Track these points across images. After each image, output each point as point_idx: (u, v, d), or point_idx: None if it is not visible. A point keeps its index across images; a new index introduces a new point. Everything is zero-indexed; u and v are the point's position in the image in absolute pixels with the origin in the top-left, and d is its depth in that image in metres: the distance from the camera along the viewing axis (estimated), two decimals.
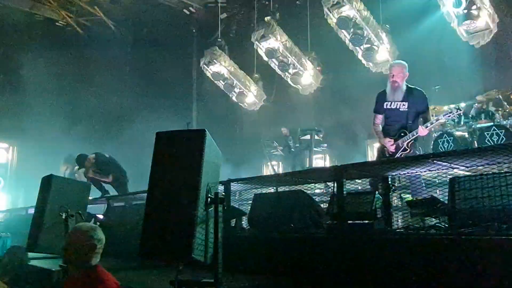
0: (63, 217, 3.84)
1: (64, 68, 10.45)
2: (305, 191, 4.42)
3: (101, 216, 6.66)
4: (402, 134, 4.98)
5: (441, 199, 3.38)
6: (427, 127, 4.85)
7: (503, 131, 7.22)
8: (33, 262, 5.02)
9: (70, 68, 10.58)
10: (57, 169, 7.54)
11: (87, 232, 2.86)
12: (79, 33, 11.80)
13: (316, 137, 10.75)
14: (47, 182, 4.33)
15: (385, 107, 5.11)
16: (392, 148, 4.98)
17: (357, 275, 3.18)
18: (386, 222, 3.67)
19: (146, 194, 2.65)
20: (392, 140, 4.99)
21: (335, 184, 3.66)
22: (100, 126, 11.31)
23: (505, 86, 7.92)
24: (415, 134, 4.86)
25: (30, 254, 5.13)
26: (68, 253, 2.86)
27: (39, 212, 4.34)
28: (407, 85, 5.08)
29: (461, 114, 4.92)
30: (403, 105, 5.00)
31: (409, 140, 4.90)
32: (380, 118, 5.19)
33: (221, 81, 12.01)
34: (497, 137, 7.22)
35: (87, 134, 10.84)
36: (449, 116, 4.99)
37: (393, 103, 5.06)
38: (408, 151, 4.92)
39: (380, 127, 5.19)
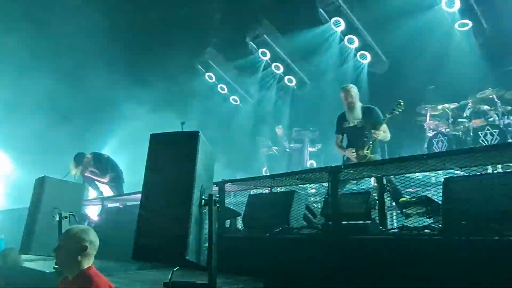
0: (57, 218, 3.81)
1: (54, 63, 10.33)
2: (299, 191, 4.41)
3: (95, 217, 6.62)
4: (360, 145, 5.50)
5: (436, 200, 3.39)
6: (378, 129, 5.38)
7: (497, 130, 7.26)
8: (26, 264, 4.98)
9: (60, 64, 10.47)
10: (47, 169, 7.47)
11: (79, 234, 2.83)
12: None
13: (310, 136, 10.78)
14: (41, 184, 4.31)
15: (344, 126, 5.74)
16: (354, 158, 5.50)
17: (352, 275, 3.18)
18: (380, 223, 3.68)
19: (140, 195, 2.64)
20: (354, 149, 5.53)
21: (330, 185, 3.66)
22: (93, 123, 11.23)
23: (498, 86, 7.95)
24: (369, 140, 5.42)
25: (24, 256, 5.09)
26: (60, 256, 2.85)
27: (32, 213, 4.31)
28: (361, 105, 5.69)
29: (403, 107, 5.35)
30: (360, 122, 5.59)
31: (367, 146, 5.43)
32: (340, 137, 5.83)
33: (216, 81, 12.01)
34: (491, 137, 7.25)
35: (78, 132, 10.78)
36: (392, 113, 5.36)
37: (351, 122, 5.66)
38: (369, 157, 5.40)
39: (340, 144, 5.81)
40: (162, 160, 2.44)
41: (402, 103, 5.33)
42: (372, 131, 5.39)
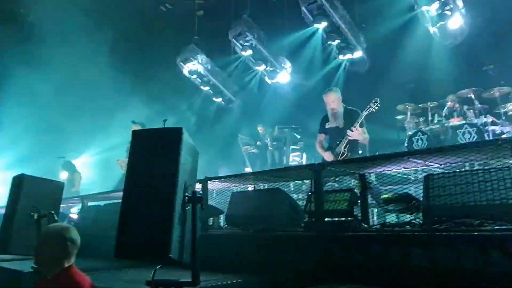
0: (35, 217, 3.73)
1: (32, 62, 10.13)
2: (282, 189, 4.42)
3: (75, 216, 6.52)
4: (338, 143, 5.59)
5: (416, 196, 3.44)
6: (354, 127, 5.40)
7: (475, 129, 7.42)
8: (3, 264, 4.86)
9: (36, 61, 10.27)
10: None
11: (60, 232, 2.80)
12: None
13: (293, 134, 10.83)
14: (18, 182, 4.20)
15: (326, 127, 5.81)
16: (329, 158, 5.59)
17: (335, 271, 3.20)
18: (362, 219, 3.71)
19: (122, 193, 2.60)
20: (331, 153, 5.62)
21: (313, 182, 3.68)
22: (71, 123, 11.04)
23: (476, 85, 8.12)
24: (347, 138, 5.47)
25: (0, 256, 4.97)
26: (39, 255, 2.81)
27: (9, 212, 4.21)
28: (344, 107, 5.74)
29: (378, 105, 5.44)
30: (342, 123, 5.69)
31: (343, 145, 5.50)
32: (323, 136, 5.91)
33: (197, 78, 11.93)
34: (469, 135, 7.42)
35: (57, 127, 10.60)
36: (368, 111, 5.44)
37: (334, 122, 5.75)
38: (345, 154, 5.50)
39: (323, 144, 5.88)
40: (144, 157, 2.40)
41: (378, 101, 5.41)
42: (348, 131, 5.43)
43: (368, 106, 5.43)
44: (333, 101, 5.70)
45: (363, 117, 5.43)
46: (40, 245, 2.84)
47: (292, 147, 10.86)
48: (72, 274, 2.72)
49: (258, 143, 11.43)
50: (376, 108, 5.40)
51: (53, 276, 2.75)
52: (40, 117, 10.33)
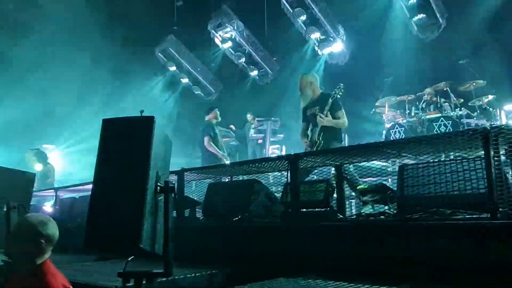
0: (4, 209, 3.62)
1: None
2: (259, 180, 4.40)
3: (49, 209, 6.39)
4: (313, 131, 5.53)
5: (391, 186, 3.47)
6: (324, 114, 5.38)
7: (450, 122, 7.55)
8: None
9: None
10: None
11: (35, 226, 2.54)
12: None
13: (272, 126, 10.82)
14: None
15: (307, 114, 5.74)
16: (307, 146, 5.53)
17: (311, 262, 3.21)
18: (339, 210, 3.73)
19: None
20: (307, 139, 5.59)
21: (289, 173, 3.68)
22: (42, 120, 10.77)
23: (452, 79, 8.25)
24: (318, 125, 5.40)
25: None
26: (10, 246, 2.59)
27: None
28: (321, 93, 5.72)
29: (342, 91, 5.50)
30: (317, 109, 5.59)
31: (317, 133, 5.42)
32: (305, 125, 5.83)
33: (177, 70, 11.80)
34: (445, 128, 7.54)
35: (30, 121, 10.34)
36: (334, 97, 5.46)
37: (311, 109, 5.66)
38: (319, 143, 5.41)
39: (305, 132, 5.77)
40: (115, 146, 2.34)
41: (341, 87, 5.47)
42: (318, 117, 5.38)
43: (333, 92, 5.48)
44: (302, 83, 5.76)
45: (329, 104, 5.40)
46: (12, 236, 2.60)
47: (271, 139, 10.86)
48: (44, 273, 2.51)
49: (231, 126, 11.31)
50: (340, 93, 5.44)
51: (24, 271, 2.54)
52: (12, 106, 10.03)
